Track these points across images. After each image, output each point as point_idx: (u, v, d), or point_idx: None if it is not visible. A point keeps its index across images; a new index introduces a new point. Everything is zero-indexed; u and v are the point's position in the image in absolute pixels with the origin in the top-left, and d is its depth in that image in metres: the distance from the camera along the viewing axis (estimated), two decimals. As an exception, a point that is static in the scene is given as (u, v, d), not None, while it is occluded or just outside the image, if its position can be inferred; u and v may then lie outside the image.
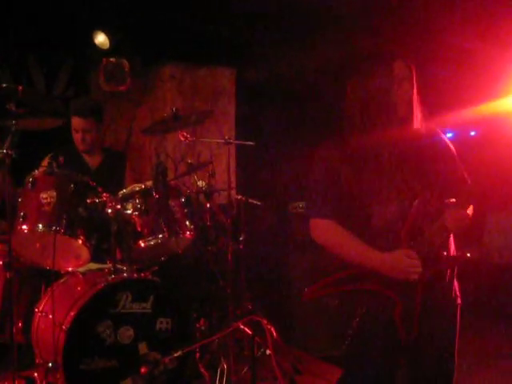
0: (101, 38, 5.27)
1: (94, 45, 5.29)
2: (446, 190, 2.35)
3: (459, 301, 2.40)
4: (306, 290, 2.35)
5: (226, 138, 4.20)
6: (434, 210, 2.33)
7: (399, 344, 2.28)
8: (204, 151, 5.49)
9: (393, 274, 2.24)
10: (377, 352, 2.30)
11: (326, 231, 2.37)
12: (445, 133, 2.52)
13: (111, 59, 5.40)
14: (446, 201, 2.31)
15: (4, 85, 3.71)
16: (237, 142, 4.35)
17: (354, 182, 2.31)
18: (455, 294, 2.40)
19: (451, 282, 2.38)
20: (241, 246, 4.27)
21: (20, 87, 3.46)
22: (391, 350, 2.31)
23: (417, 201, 2.28)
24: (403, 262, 2.23)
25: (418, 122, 2.37)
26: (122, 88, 5.46)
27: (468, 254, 2.32)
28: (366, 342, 2.30)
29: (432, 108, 2.48)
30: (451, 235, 2.35)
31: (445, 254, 2.32)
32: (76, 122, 4.23)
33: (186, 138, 4.15)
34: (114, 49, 5.35)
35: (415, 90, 2.36)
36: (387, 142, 2.32)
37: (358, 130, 2.34)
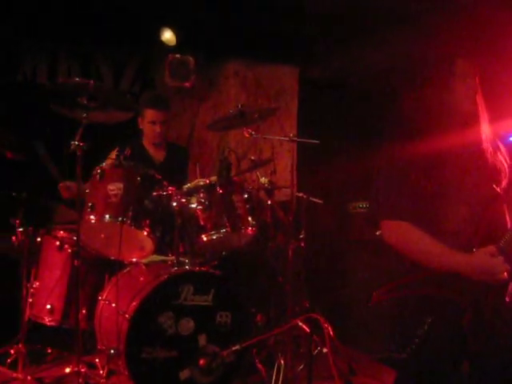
0: (167, 35, 5.34)
1: (160, 41, 5.37)
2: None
3: None
4: (373, 293, 2.32)
5: (291, 135, 4.21)
6: (503, 217, 2.30)
7: (466, 352, 2.24)
8: (265, 148, 5.51)
9: (480, 275, 2.18)
10: (443, 361, 2.24)
11: (401, 233, 2.30)
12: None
13: (177, 55, 5.48)
14: None
15: (77, 79, 3.84)
16: (301, 140, 4.35)
17: (424, 185, 2.27)
18: None
19: None
20: (301, 244, 4.28)
21: (91, 82, 3.56)
22: (457, 358, 2.27)
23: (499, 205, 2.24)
24: (490, 262, 2.17)
25: (484, 121, 2.34)
26: (186, 84, 5.53)
27: None
28: (433, 351, 2.23)
29: (498, 110, 2.44)
30: None
31: None
32: (153, 114, 4.32)
33: (251, 134, 4.18)
34: (180, 45, 5.42)
35: (479, 89, 2.34)
36: (455, 143, 2.29)
37: (423, 132, 2.31)
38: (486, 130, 2.36)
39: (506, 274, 2.18)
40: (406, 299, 2.30)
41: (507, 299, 2.25)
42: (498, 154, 2.42)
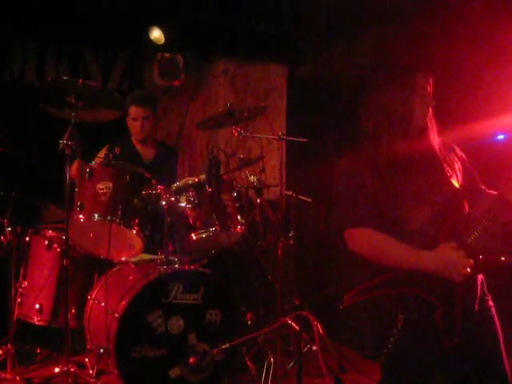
0: (156, 34, 5.33)
1: (149, 40, 5.36)
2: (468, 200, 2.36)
3: (491, 302, 2.36)
4: (344, 297, 2.32)
5: (280, 134, 4.22)
6: (466, 215, 2.32)
7: (441, 349, 2.24)
8: (254, 147, 5.52)
9: (444, 271, 2.19)
10: (419, 358, 2.26)
11: (362, 239, 2.30)
12: (497, 135, 2.51)
13: (166, 54, 5.47)
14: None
15: (65, 77, 3.83)
16: (290, 138, 4.36)
17: (381, 190, 2.28)
18: (487, 295, 2.37)
19: (483, 285, 2.36)
20: (290, 242, 4.29)
21: (80, 80, 3.56)
22: (433, 356, 2.27)
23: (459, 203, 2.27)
24: (451, 256, 2.19)
25: (433, 134, 2.38)
26: (175, 83, 5.53)
27: (502, 258, 2.27)
28: (408, 349, 2.25)
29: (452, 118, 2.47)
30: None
31: (481, 257, 2.25)
32: (135, 110, 4.33)
33: (240, 133, 4.19)
34: (168, 44, 5.41)
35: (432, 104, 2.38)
36: (409, 150, 2.30)
37: (379, 140, 2.33)
38: (435, 139, 2.39)
39: (468, 269, 2.18)
40: (377, 299, 2.30)
41: (476, 307, 2.28)
42: (452, 154, 2.45)
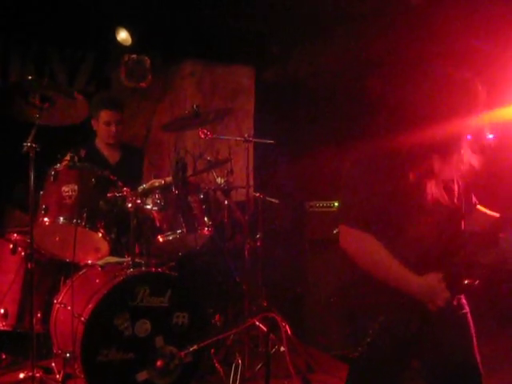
0: (123, 35, 5.31)
1: (116, 41, 5.33)
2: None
3: (467, 309, 2.39)
4: (332, 300, 2.34)
5: (246, 135, 4.23)
6: (462, 233, 2.35)
7: (415, 353, 2.30)
8: (222, 148, 5.50)
9: (423, 299, 2.22)
10: (392, 359, 2.28)
11: (361, 244, 2.25)
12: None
13: (132, 55, 5.45)
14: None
15: (29, 77, 3.78)
16: (256, 140, 4.37)
17: (391, 190, 2.22)
18: (462, 303, 2.39)
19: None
20: (258, 244, 4.30)
21: (44, 81, 3.52)
22: (406, 360, 2.32)
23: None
24: (434, 288, 2.21)
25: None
26: (142, 84, 5.50)
27: (476, 282, 2.32)
28: (383, 350, 2.26)
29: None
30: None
31: (466, 282, 2.29)
32: (108, 114, 4.31)
33: (206, 135, 4.19)
34: (135, 45, 5.39)
35: None
36: (412, 143, 2.25)
37: (388, 129, 2.30)
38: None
39: (443, 303, 2.22)
40: (360, 305, 2.32)
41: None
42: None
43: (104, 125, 4.33)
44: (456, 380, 2.34)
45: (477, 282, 2.28)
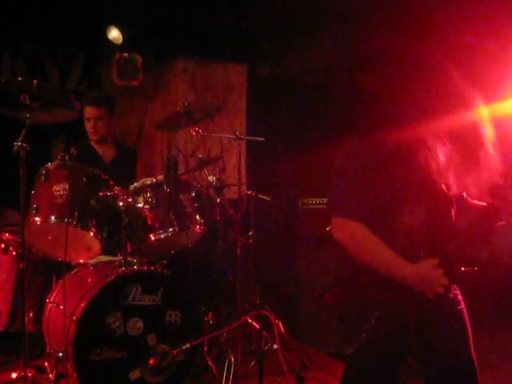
0: (114, 33, 5.29)
1: (107, 39, 5.32)
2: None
3: (463, 305, 2.40)
4: (326, 295, 2.33)
5: (237, 133, 4.23)
6: (453, 223, 2.35)
7: (411, 350, 2.29)
8: (215, 146, 5.51)
9: (420, 287, 2.22)
10: (388, 355, 2.28)
11: (353, 234, 2.25)
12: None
13: (124, 54, 5.42)
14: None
15: (19, 78, 3.77)
16: (247, 137, 4.37)
17: (383, 181, 2.23)
18: (458, 299, 2.40)
19: (456, 290, 2.40)
20: (250, 241, 4.30)
21: (35, 81, 3.51)
22: (402, 355, 2.32)
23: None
24: (430, 274, 2.21)
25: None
26: (134, 83, 5.49)
27: (475, 268, 2.32)
28: (379, 345, 2.25)
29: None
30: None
31: (462, 269, 2.30)
32: (88, 111, 4.33)
33: (198, 132, 4.18)
34: (127, 43, 5.38)
35: None
36: (403, 139, 2.26)
37: (379, 124, 2.30)
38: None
39: (441, 288, 2.22)
40: (356, 299, 2.31)
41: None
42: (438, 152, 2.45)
43: (86, 121, 4.36)
44: (451, 376, 2.34)
45: (475, 268, 2.28)
